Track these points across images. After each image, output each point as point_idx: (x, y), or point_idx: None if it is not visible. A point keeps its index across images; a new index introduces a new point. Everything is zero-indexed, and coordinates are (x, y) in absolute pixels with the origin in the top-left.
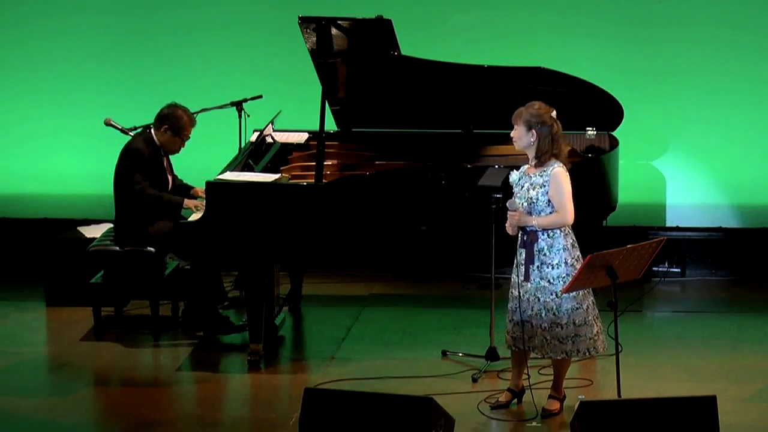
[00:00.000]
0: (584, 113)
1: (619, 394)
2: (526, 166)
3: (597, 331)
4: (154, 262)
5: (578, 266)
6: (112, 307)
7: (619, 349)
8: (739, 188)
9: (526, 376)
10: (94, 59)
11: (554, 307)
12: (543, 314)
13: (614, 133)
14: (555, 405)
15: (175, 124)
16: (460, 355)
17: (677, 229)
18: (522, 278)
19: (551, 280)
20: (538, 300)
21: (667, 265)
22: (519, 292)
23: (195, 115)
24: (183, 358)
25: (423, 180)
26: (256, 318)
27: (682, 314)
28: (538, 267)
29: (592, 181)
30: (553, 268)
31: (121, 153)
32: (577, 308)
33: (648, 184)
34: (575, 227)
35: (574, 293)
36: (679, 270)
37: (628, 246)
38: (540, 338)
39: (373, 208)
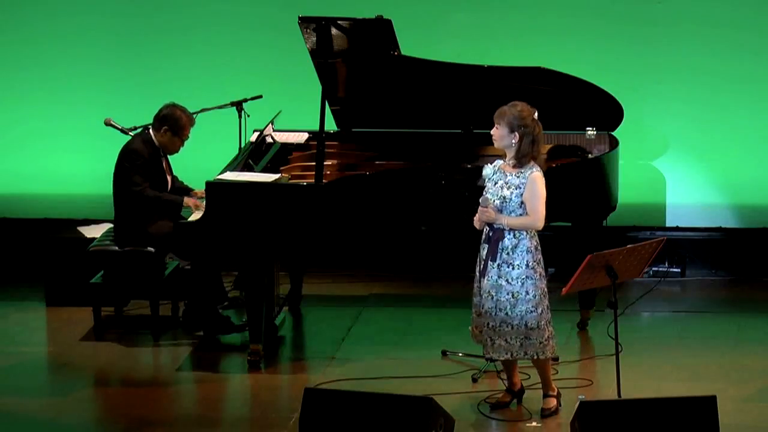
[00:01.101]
0: (584, 113)
1: (619, 394)
2: (501, 162)
3: (548, 336)
4: (154, 262)
5: (539, 269)
6: (112, 307)
7: (619, 349)
8: (738, 188)
9: (526, 376)
10: (94, 59)
11: (507, 307)
12: (493, 313)
13: (614, 133)
14: (552, 402)
15: (174, 124)
16: (460, 355)
17: (677, 229)
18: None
19: (509, 280)
20: (492, 298)
21: (667, 265)
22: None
23: (195, 115)
24: (183, 358)
25: (423, 180)
26: (256, 318)
27: (682, 314)
28: (498, 265)
29: (592, 181)
30: (513, 268)
31: (120, 154)
32: (531, 311)
33: (648, 184)
34: (575, 227)
35: (531, 296)
36: (679, 270)
37: (628, 246)
38: (486, 338)
39: (373, 208)
